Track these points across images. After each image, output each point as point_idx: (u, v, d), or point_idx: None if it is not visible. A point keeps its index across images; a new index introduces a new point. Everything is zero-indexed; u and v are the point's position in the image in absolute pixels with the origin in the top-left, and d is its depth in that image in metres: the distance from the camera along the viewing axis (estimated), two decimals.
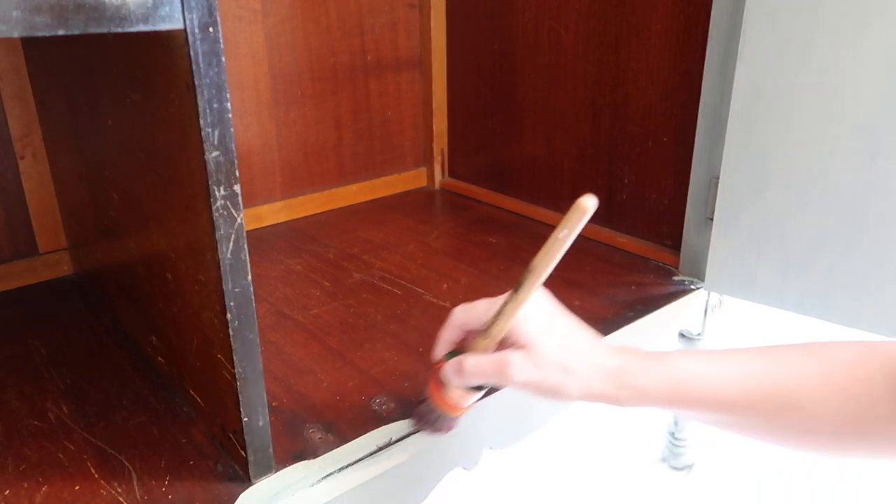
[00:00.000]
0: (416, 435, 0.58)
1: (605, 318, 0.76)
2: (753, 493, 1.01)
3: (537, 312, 0.49)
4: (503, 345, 0.50)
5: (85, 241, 0.83)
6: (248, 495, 0.52)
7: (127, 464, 0.55)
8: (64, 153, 0.80)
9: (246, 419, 0.51)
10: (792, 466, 1.05)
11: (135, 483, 0.53)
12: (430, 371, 0.55)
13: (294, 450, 0.56)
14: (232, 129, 0.44)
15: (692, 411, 0.47)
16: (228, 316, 0.47)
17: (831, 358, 0.44)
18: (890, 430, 0.42)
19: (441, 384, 0.53)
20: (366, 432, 0.58)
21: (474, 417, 0.62)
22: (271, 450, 0.53)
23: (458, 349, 0.53)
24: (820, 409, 0.43)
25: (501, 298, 0.49)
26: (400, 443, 0.58)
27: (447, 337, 0.54)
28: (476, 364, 0.49)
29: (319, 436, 0.58)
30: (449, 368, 0.51)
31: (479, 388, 0.52)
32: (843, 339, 0.47)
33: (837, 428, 0.43)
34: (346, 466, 0.55)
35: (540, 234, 1.04)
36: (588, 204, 0.42)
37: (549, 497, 1.02)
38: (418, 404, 0.57)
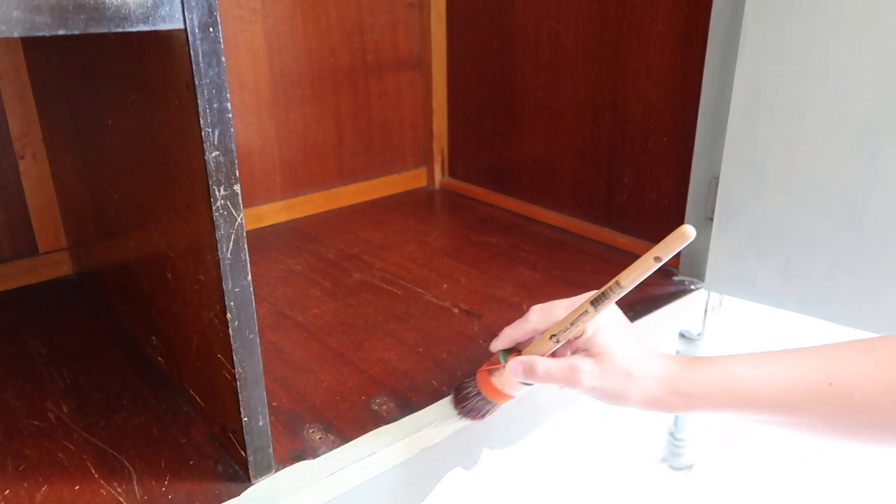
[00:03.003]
0: (417, 434, 0.58)
1: None
2: (753, 493, 1.01)
3: (609, 323, 0.51)
4: (565, 348, 0.53)
5: (85, 241, 0.83)
6: (248, 495, 0.52)
7: (127, 464, 0.55)
8: (64, 153, 0.80)
9: (246, 419, 0.51)
10: (791, 467, 1.05)
11: (134, 483, 0.53)
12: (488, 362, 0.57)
13: (294, 450, 0.56)
14: (232, 129, 0.44)
15: (745, 414, 0.48)
16: (228, 316, 0.47)
17: (888, 353, 0.45)
18: None
19: (492, 373, 0.55)
20: (366, 432, 0.58)
21: None
22: (271, 450, 0.53)
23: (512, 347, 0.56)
24: (879, 407, 0.43)
25: (575, 302, 0.51)
26: (400, 443, 0.58)
27: (513, 335, 0.55)
28: (547, 367, 0.51)
29: (319, 436, 0.58)
30: (519, 366, 0.52)
31: (528, 383, 0.54)
32: (847, 338, 0.47)
33: None
34: (346, 466, 0.55)
35: (540, 234, 1.04)
36: (691, 232, 0.44)
37: (549, 497, 1.02)
38: (460, 388, 0.59)
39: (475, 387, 0.57)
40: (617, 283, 0.48)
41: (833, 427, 0.45)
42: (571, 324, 0.50)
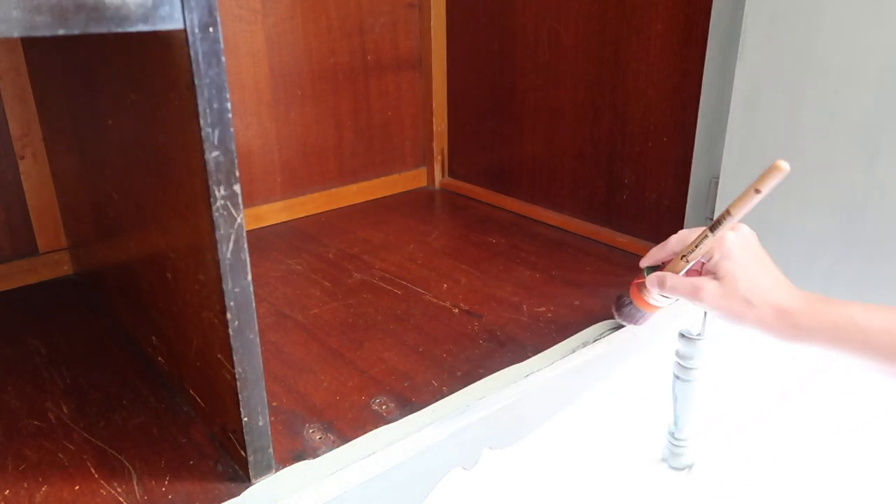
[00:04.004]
0: (417, 434, 0.59)
1: (605, 319, 0.76)
2: (753, 493, 1.01)
3: (739, 251, 0.57)
4: (700, 268, 0.61)
5: (85, 241, 0.83)
6: (248, 495, 0.52)
7: (127, 464, 0.55)
8: (64, 153, 0.80)
9: (246, 419, 0.51)
10: (792, 466, 1.05)
11: (134, 483, 0.53)
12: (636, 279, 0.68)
13: (294, 450, 0.56)
14: (232, 129, 0.44)
15: (855, 356, 0.50)
16: (228, 316, 0.47)
17: None
18: None
19: (639, 287, 0.66)
20: (366, 432, 0.58)
21: (474, 418, 0.62)
22: (271, 450, 0.53)
23: (657, 266, 0.66)
24: None
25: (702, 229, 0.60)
26: (400, 443, 0.58)
27: (657, 255, 0.65)
28: (675, 282, 0.60)
29: (319, 436, 0.58)
30: (654, 279, 0.62)
31: (667, 296, 0.64)
32: None
33: None
34: (346, 466, 0.55)
35: (540, 234, 1.04)
36: (785, 166, 0.51)
37: (549, 497, 1.02)
38: (619, 297, 0.71)
39: (629, 297, 0.68)
40: (728, 211, 0.56)
41: None
42: (696, 246, 0.59)
